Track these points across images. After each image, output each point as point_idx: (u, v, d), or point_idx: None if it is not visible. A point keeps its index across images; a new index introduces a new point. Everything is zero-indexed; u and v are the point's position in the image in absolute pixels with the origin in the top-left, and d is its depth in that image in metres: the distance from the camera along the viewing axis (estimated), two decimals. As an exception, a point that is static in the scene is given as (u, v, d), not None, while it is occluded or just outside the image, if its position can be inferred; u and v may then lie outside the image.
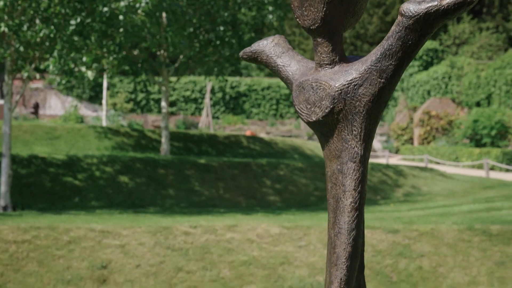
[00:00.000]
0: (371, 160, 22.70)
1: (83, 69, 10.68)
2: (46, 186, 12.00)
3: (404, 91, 34.42)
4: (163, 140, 15.70)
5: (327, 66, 2.43)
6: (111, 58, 11.97)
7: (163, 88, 16.17)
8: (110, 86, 34.03)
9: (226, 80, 18.72)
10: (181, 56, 15.92)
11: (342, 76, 2.38)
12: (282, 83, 38.20)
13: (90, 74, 11.07)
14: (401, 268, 8.61)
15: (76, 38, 10.32)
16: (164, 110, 16.10)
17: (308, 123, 2.54)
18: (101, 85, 35.81)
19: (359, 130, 2.43)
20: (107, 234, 8.72)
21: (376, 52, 2.25)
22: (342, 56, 2.43)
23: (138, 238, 8.72)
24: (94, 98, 36.42)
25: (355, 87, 2.34)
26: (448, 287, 8.42)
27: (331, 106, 2.39)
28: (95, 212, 10.88)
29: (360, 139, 2.45)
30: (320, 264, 8.79)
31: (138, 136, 17.52)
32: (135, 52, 14.56)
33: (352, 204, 2.61)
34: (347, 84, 2.35)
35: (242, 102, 38.09)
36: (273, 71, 2.67)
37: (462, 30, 34.17)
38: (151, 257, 8.45)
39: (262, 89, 38.25)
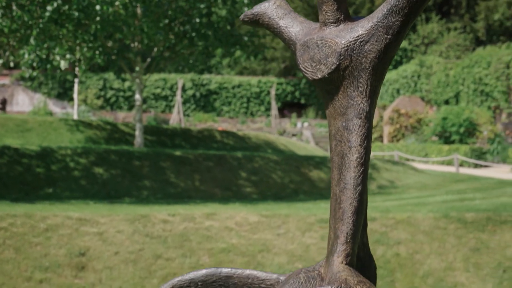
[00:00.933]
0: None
1: (57, 58, 10.55)
2: (19, 176, 11.82)
3: (373, 89, 34.76)
4: (137, 133, 15.60)
5: (332, 24, 2.44)
6: (85, 48, 11.84)
7: (137, 81, 16.07)
8: (79, 83, 33.64)
9: (200, 75, 18.71)
10: (155, 49, 15.84)
11: (348, 33, 2.40)
12: (253, 81, 38.26)
13: (62, 64, 10.94)
14: (378, 255, 8.71)
15: (52, 27, 10.19)
16: (138, 103, 16.00)
17: (313, 81, 2.55)
18: (70, 81, 35.39)
19: (365, 87, 2.44)
20: (85, 222, 8.64)
21: (382, 9, 2.27)
22: (347, 15, 2.45)
23: (116, 226, 8.65)
24: (63, 94, 35.99)
25: (361, 44, 2.36)
26: (424, 273, 8.55)
27: (337, 63, 2.40)
28: (70, 202, 10.76)
29: (366, 95, 2.46)
30: (298, 252, 8.83)
31: (110, 129, 17.38)
32: (109, 44, 14.44)
33: (358, 159, 2.63)
34: (353, 40, 2.37)
35: (212, 100, 38.02)
36: (275, 33, 2.67)
37: (430, 30, 34.64)
38: (130, 245, 8.40)
39: (233, 87, 38.23)
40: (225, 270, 3.06)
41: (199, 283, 2.93)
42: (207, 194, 12.37)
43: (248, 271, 3.06)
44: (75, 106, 23.93)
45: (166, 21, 14.18)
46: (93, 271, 7.91)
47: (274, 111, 34.71)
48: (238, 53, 44.79)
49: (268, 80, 38.82)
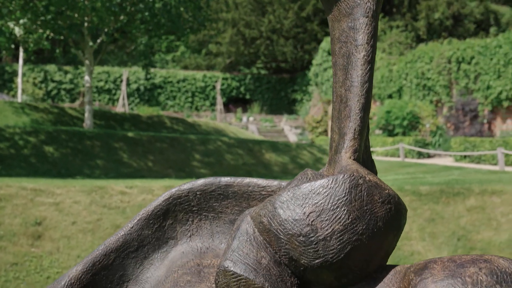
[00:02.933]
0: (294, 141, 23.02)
1: (11, 25, 10.21)
2: (-35, 155, 11.41)
3: (318, 85, 35.17)
4: (86, 115, 15.28)
5: None
6: (34, 26, 11.50)
7: (87, 62, 15.74)
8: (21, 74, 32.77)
9: (145, 68, 18.43)
10: (105, 30, 15.55)
11: None
12: (198, 76, 38.10)
13: (17, 31, 10.59)
14: (337, 226, 8.79)
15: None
16: (87, 85, 15.68)
17: None
18: (9, 73, 34.36)
19: (372, -14, 2.46)
20: (40, 193, 8.40)
21: None
22: None
23: (73, 196, 8.45)
24: (2, 86, 34.96)
25: None
26: (381, 244, 8.66)
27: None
28: (21, 179, 10.43)
29: (373, -6, 2.47)
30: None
31: (58, 113, 16.97)
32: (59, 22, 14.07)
33: (365, 57, 2.64)
34: None
35: (157, 94, 37.67)
36: None
37: (374, 27, 35.30)
38: (87, 215, 8.21)
39: (178, 81, 37.97)
40: (225, 179, 3.01)
41: (198, 193, 2.88)
42: (160, 175, 12.23)
43: (248, 179, 3.02)
44: (19, 92, 23.26)
45: (118, 0, 13.96)
46: (50, 240, 7.70)
47: (219, 105, 34.67)
48: (182, 48, 44.54)
49: (214, 75, 38.76)
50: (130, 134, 13.34)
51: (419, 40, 35.90)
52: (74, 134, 12.63)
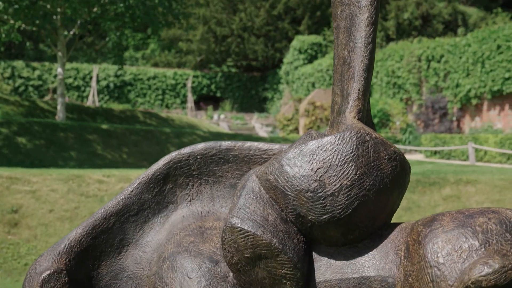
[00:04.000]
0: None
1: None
2: None
3: (289, 83, 35.28)
4: (59, 107, 15.06)
5: None
6: (10, 9, 11.31)
7: (59, 54, 15.53)
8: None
9: (121, 58, 18.25)
10: (78, 22, 15.36)
11: None
12: (168, 73, 37.92)
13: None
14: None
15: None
16: (60, 77, 15.46)
17: None
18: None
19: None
20: (15, 181, 8.25)
21: None
22: None
23: (50, 185, 8.33)
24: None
25: None
26: (359, 233, 8.73)
27: None
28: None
29: (376, -42, 2.52)
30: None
31: (29, 106, 16.71)
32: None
33: (369, 18, 2.67)
34: None
35: (127, 91, 37.37)
36: None
37: (344, 26, 35.56)
38: (65, 203, 8.10)
39: (148, 79, 37.73)
40: (225, 143, 3.00)
41: (198, 157, 2.87)
42: (136, 166, 12.14)
43: (249, 143, 3.02)
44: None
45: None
46: (27, 228, 7.57)
47: (190, 103, 34.58)
48: (152, 46, 44.25)
49: (184, 72, 38.60)
50: (104, 126, 13.22)
51: (388, 39, 36.31)
52: (47, 125, 12.46)
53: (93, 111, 17.67)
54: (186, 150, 2.88)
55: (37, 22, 13.75)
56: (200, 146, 2.94)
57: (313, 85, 33.04)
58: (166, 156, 2.89)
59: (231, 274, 2.50)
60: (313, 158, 2.41)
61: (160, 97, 37.74)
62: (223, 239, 2.45)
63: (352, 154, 2.39)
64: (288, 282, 2.38)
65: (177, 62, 40.66)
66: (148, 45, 43.42)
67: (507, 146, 16.60)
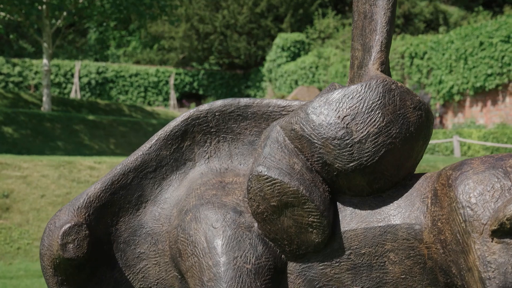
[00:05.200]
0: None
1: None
2: None
3: (272, 81, 35.33)
4: (45, 99, 14.90)
5: None
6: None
7: (45, 45, 15.38)
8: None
9: (97, 62, 18.06)
10: (64, 13, 15.20)
11: None
12: (151, 70, 37.77)
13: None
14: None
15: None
16: (46, 68, 15.29)
17: None
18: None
19: None
20: (6, 166, 8.16)
21: None
22: None
23: (40, 170, 8.24)
24: None
25: None
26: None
27: None
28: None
29: None
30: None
31: (13, 98, 16.51)
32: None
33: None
34: None
35: (109, 88, 37.14)
36: None
37: (326, 24, 35.71)
38: (56, 188, 8.01)
39: (130, 76, 37.53)
40: (244, 100, 2.99)
41: (217, 113, 2.86)
42: (123, 157, 12.06)
43: (267, 100, 3.02)
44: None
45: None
46: (18, 213, 7.48)
47: (172, 100, 34.48)
48: (134, 43, 44.01)
49: (167, 69, 38.47)
50: (90, 117, 13.12)
51: (371, 37, 36.43)
52: (33, 116, 12.34)
53: (78, 103, 17.54)
54: (205, 107, 2.87)
55: (23, 11, 13.59)
56: (219, 102, 2.93)
57: (296, 82, 33.12)
58: (184, 113, 2.87)
59: (255, 224, 2.49)
60: (340, 106, 2.42)
61: (142, 94, 37.57)
62: (249, 188, 2.45)
63: (379, 101, 2.40)
64: (314, 231, 2.38)
65: (159, 59, 40.53)
66: (129, 42, 43.23)
67: (491, 140, 16.80)
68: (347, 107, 2.40)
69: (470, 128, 19.56)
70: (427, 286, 2.33)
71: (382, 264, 2.37)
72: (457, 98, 21.73)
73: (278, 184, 2.40)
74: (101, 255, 2.72)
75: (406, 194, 2.43)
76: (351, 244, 2.41)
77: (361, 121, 2.38)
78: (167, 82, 37.55)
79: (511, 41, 19.78)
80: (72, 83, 33.84)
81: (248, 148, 2.88)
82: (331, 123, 2.40)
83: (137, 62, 40.55)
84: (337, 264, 2.42)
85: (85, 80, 36.35)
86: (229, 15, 35.63)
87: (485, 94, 20.98)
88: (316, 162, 2.44)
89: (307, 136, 2.43)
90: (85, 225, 2.59)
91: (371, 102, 2.40)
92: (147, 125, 13.46)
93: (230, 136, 2.90)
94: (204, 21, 36.41)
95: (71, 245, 2.56)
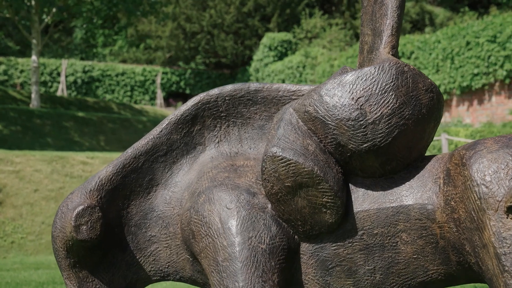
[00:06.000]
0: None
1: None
2: None
3: (259, 81, 35.38)
4: (33, 95, 14.81)
5: None
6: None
7: (34, 41, 15.28)
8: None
9: (83, 61, 17.95)
10: (54, 9, 15.11)
11: None
12: (137, 70, 37.68)
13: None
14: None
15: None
16: (34, 64, 15.21)
17: None
18: None
19: None
20: (-2, 161, 8.12)
21: None
22: None
23: (33, 165, 8.20)
24: None
25: None
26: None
27: None
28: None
29: None
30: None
31: (1, 95, 16.40)
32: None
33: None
34: None
35: (95, 87, 36.97)
36: None
37: (313, 24, 35.83)
38: (49, 183, 7.98)
39: (117, 75, 37.39)
40: (254, 84, 3.02)
41: (227, 98, 2.88)
42: (116, 153, 12.04)
43: (277, 84, 3.05)
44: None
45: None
46: (12, 207, 7.45)
47: (159, 100, 34.41)
48: (120, 42, 43.83)
49: (153, 69, 38.38)
50: (80, 114, 13.07)
51: (357, 37, 36.68)
52: (22, 112, 12.26)
53: (67, 101, 17.46)
54: (215, 91, 2.89)
55: (13, 6, 13.49)
56: (229, 87, 2.95)
57: (283, 82, 33.20)
58: (194, 97, 2.89)
59: (269, 205, 2.52)
60: (353, 88, 2.45)
61: (128, 93, 37.43)
62: (263, 168, 2.47)
63: (392, 83, 2.44)
64: (328, 211, 2.41)
65: (146, 58, 40.43)
66: (116, 41, 43.06)
67: (478, 138, 16.96)
68: (361, 88, 2.43)
69: (457, 127, 19.71)
70: (438, 266, 2.37)
71: (394, 244, 2.40)
72: (444, 97, 21.91)
73: (293, 164, 2.42)
74: (112, 238, 2.73)
75: (418, 175, 2.46)
76: (363, 225, 2.44)
77: (374, 103, 2.41)
78: (153, 81, 37.46)
79: (497, 41, 19.98)
80: (59, 82, 33.64)
81: (258, 132, 2.90)
82: (345, 105, 2.43)
83: (124, 61, 40.42)
84: (350, 244, 2.45)
85: (71, 79, 36.16)
86: (216, 15, 35.62)
87: (471, 94, 21.16)
88: (329, 144, 2.47)
89: (321, 117, 2.46)
90: (98, 207, 2.60)
91: (384, 83, 2.43)
92: (137, 122, 13.43)
93: (240, 121, 2.92)
94: (191, 20, 36.38)
95: (85, 227, 2.57)
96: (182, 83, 38.39)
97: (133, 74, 37.54)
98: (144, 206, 2.81)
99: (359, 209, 2.46)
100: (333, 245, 2.47)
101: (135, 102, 37.15)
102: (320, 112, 2.47)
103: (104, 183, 2.76)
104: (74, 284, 2.67)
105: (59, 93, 29.93)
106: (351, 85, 2.45)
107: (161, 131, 2.89)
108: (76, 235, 2.56)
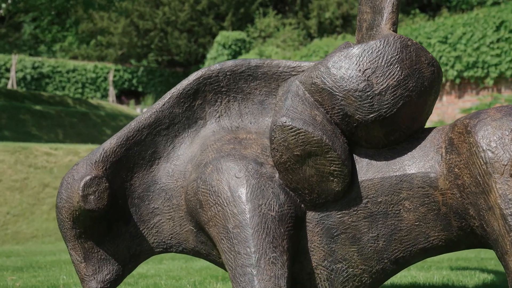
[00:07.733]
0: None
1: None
2: None
3: (212, 79, 35.33)
4: (-12, 89, 14.43)
5: None
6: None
7: None
8: None
9: (32, 57, 17.57)
10: (9, 0, 14.72)
11: None
12: (88, 67, 37.14)
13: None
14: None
15: None
16: None
17: None
18: None
19: None
20: (-41, 151, 7.92)
21: None
22: None
23: (-4, 156, 8.04)
24: None
25: None
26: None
27: None
28: None
29: None
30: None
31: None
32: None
33: None
34: None
35: (45, 84, 36.26)
36: None
37: (267, 24, 36.03)
38: (13, 174, 7.83)
39: (67, 72, 36.77)
40: (255, 60, 3.09)
41: (228, 73, 2.94)
42: (78, 145, 11.89)
43: (277, 60, 3.12)
44: None
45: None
46: (-25, 197, 7.29)
47: (111, 97, 34.02)
48: (70, 38, 43.09)
49: (105, 66, 37.89)
50: (37, 107, 12.84)
51: (310, 37, 37.08)
52: (-22, 105, 11.99)
53: (21, 95, 17.07)
54: (216, 66, 2.94)
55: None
56: (230, 62, 3.01)
57: (237, 80, 33.23)
58: (196, 72, 2.94)
59: (276, 175, 2.57)
60: (360, 60, 2.53)
61: (80, 90, 36.84)
62: (272, 138, 2.52)
63: (397, 56, 2.53)
64: (335, 179, 2.48)
65: (97, 55, 39.88)
66: (65, 37, 42.32)
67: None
68: (367, 61, 2.52)
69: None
70: (439, 232, 2.47)
71: (397, 211, 2.49)
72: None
73: (302, 133, 2.48)
74: (116, 209, 2.74)
75: (420, 145, 2.56)
76: (368, 193, 2.52)
77: (381, 74, 2.49)
78: (105, 79, 36.98)
79: (448, 42, 20.54)
80: (8, 78, 32.86)
81: (258, 107, 2.95)
82: (353, 76, 2.51)
83: (74, 58, 39.77)
84: (355, 212, 2.53)
85: (20, 75, 35.35)
86: (170, 12, 35.43)
87: (423, 93, 21.65)
88: (336, 114, 2.55)
89: (329, 89, 2.53)
90: (104, 178, 2.61)
91: (389, 56, 2.52)
92: (96, 116, 13.29)
93: (240, 96, 2.97)
94: (144, 17, 36.08)
95: (92, 197, 2.58)
96: (134, 81, 38.02)
97: (84, 71, 36.98)
98: (147, 179, 2.83)
99: (363, 178, 2.54)
100: (339, 213, 2.54)
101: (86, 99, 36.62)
102: (327, 83, 2.54)
103: (109, 154, 2.78)
104: (80, 255, 2.67)
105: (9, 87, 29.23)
106: (358, 58, 2.54)
107: (163, 105, 2.91)
108: (83, 205, 2.56)
